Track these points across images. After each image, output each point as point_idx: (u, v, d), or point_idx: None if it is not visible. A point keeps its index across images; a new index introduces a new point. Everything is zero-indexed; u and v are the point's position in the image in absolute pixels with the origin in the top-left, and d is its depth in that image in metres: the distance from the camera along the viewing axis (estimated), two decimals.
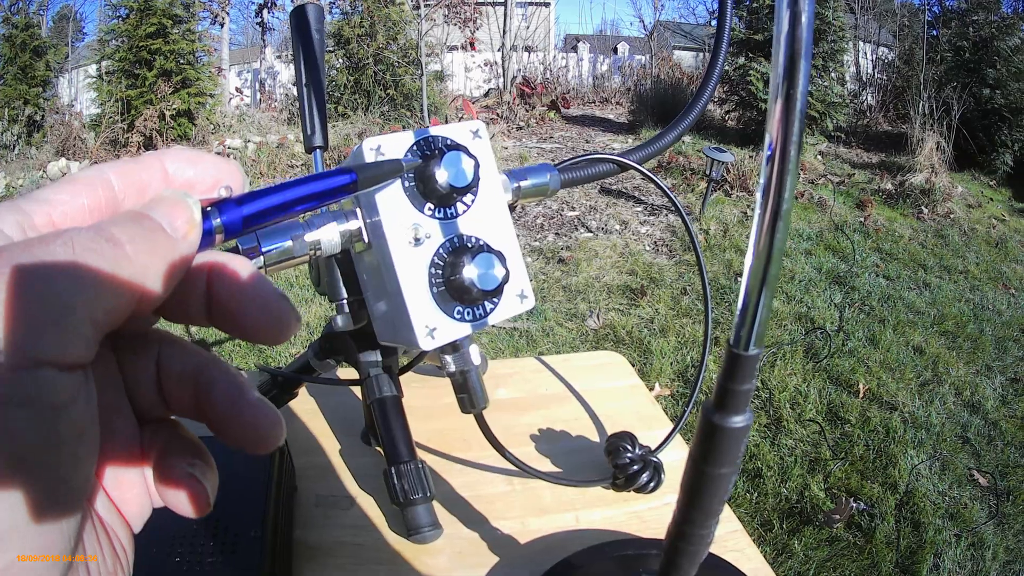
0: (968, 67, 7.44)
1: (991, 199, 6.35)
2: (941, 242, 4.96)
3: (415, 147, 0.49)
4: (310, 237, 0.47)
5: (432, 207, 0.49)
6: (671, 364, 3.14)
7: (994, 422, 2.81)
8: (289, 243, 0.46)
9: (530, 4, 14.65)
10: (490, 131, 7.40)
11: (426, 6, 9.21)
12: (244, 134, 8.00)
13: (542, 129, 8.98)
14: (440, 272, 0.48)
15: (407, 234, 0.48)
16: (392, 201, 0.48)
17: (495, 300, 0.51)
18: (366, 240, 0.49)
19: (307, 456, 0.76)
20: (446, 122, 7.69)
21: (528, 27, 11.85)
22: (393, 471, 0.63)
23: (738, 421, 0.34)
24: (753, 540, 1.51)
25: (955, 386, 3.06)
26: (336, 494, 0.72)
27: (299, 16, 0.70)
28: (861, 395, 2.93)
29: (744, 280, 0.32)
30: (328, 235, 0.48)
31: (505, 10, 10.50)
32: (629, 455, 0.69)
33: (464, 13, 10.72)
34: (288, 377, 0.78)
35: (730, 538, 0.68)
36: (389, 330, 0.52)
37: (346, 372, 0.88)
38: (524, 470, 0.65)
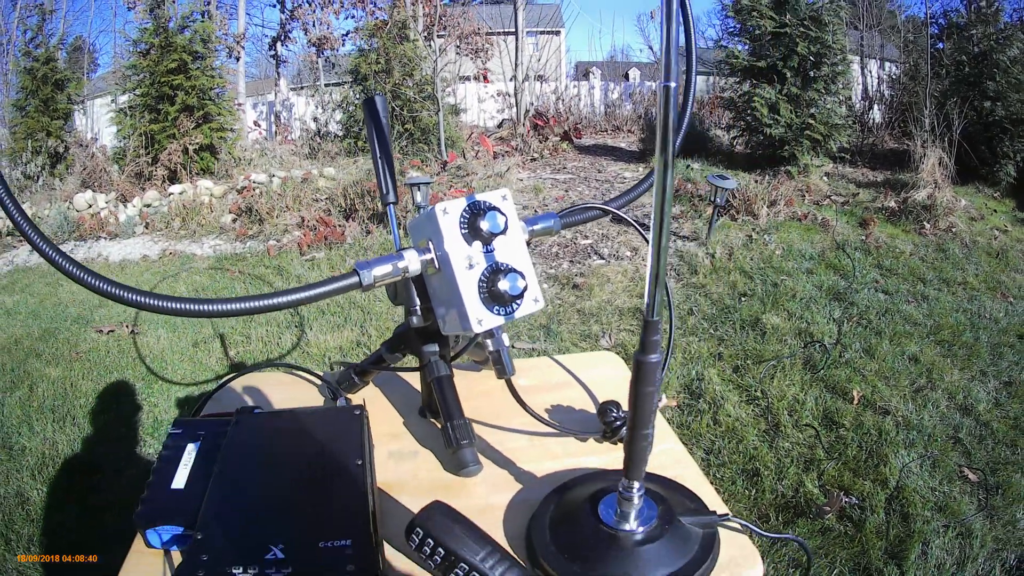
0: (968, 80, 7.57)
1: (994, 211, 6.45)
2: (941, 256, 5.09)
3: (467, 208, 0.79)
4: (401, 264, 0.78)
5: (481, 244, 0.80)
6: (677, 378, 3.35)
7: (986, 423, 2.94)
8: (390, 267, 0.74)
9: (541, 33, 14.90)
10: (505, 163, 7.67)
11: (439, 37, 9.48)
12: (267, 168, 8.23)
13: (555, 160, 9.22)
14: (484, 285, 0.78)
15: (464, 262, 0.78)
16: (454, 241, 0.78)
17: (519, 302, 0.80)
18: (437, 266, 0.80)
19: (380, 425, 1.04)
20: (463, 156, 7.96)
21: (540, 59, 12.10)
22: (449, 424, 0.91)
23: (653, 358, 0.61)
24: (750, 532, 1.77)
25: (948, 391, 3.19)
26: (403, 449, 1.00)
27: (370, 105, 1.00)
28: (856, 401, 3.09)
29: (648, 277, 0.58)
30: (414, 263, 0.79)
31: (516, 43, 10.73)
32: (614, 415, 0.97)
33: (475, 44, 10.99)
34: (361, 368, 1.10)
35: (671, 453, 0.95)
36: (452, 323, 0.82)
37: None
38: (539, 419, 0.97)
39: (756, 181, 6.81)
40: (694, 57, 0.98)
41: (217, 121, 8.57)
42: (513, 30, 11.03)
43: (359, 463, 0.82)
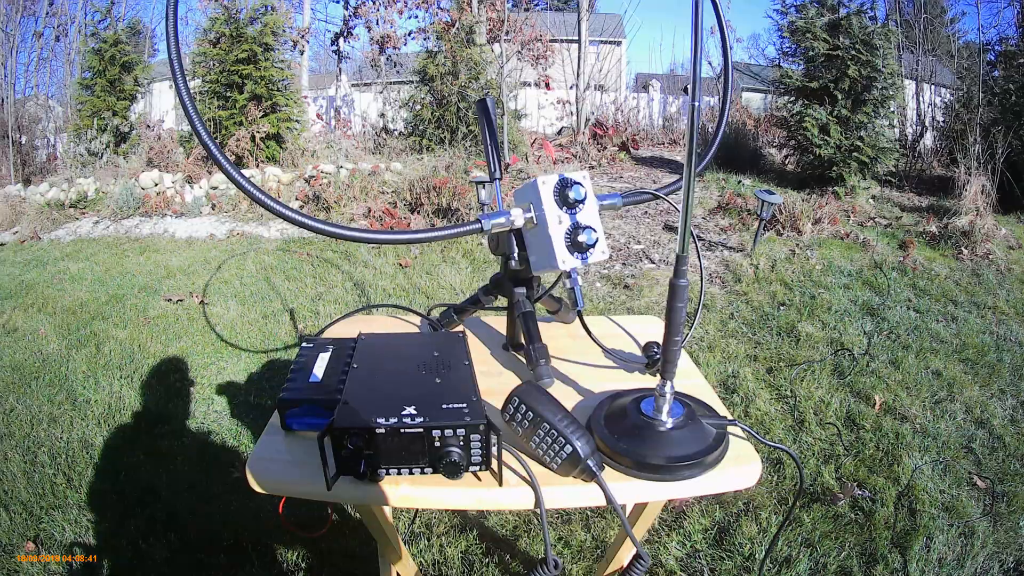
0: (1015, 110, 7.62)
1: None
2: (975, 280, 5.20)
3: (559, 181, 1.09)
4: (511, 219, 1.09)
5: (566, 208, 1.08)
6: (715, 374, 3.60)
7: (999, 436, 3.06)
8: (503, 220, 1.04)
9: (603, 43, 15.05)
10: (565, 169, 7.96)
11: (506, 41, 9.70)
12: (334, 160, 8.49)
13: (613, 169, 9.46)
14: (569, 236, 1.08)
15: (555, 219, 1.08)
16: (549, 204, 1.07)
17: (592, 251, 1.10)
18: (535, 222, 1.10)
19: (474, 353, 1.32)
20: (526, 160, 8.22)
21: (601, 69, 12.25)
22: (531, 347, 1.21)
23: (682, 282, 0.90)
24: (770, 512, 2.05)
25: (966, 405, 3.32)
26: (491, 370, 1.29)
27: (483, 105, 1.29)
28: (877, 407, 3.28)
29: (679, 235, 0.86)
30: (519, 219, 1.09)
31: (579, 53, 10.89)
32: (655, 350, 1.25)
33: (536, 50, 11.21)
34: (459, 307, 1.42)
35: (697, 386, 1.22)
36: (542, 264, 1.13)
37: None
38: (599, 345, 1.30)
39: (804, 199, 6.96)
40: (730, 75, 1.26)
41: (284, 111, 8.84)
42: (575, 38, 11.21)
43: (466, 363, 1.12)
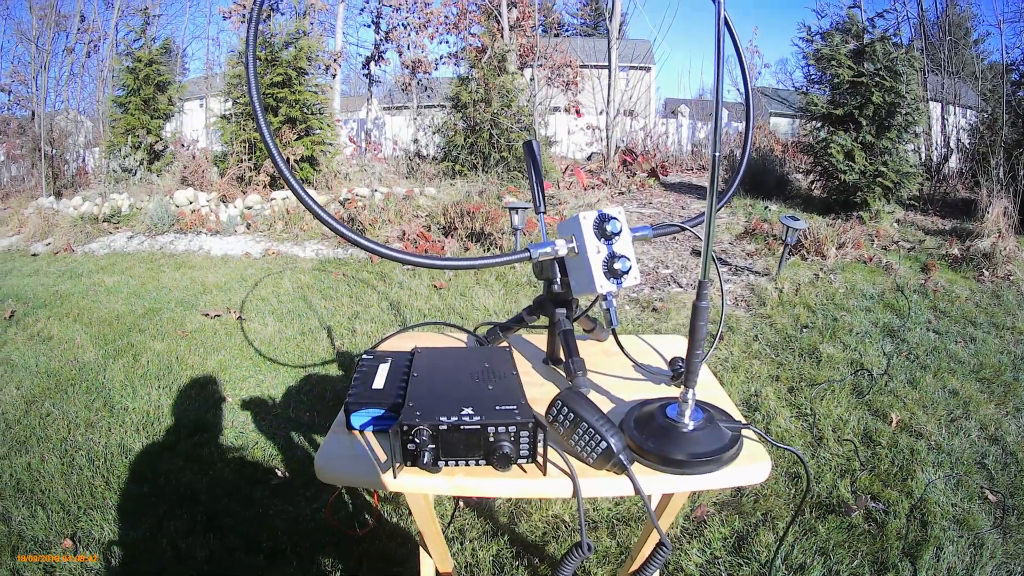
0: None
1: None
2: (995, 302, 5.28)
3: (598, 216, 1.25)
4: (555, 248, 1.25)
5: (604, 240, 1.24)
6: (738, 393, 3.72)
7: (1012, 452, 3.13)
8: (549, 249, 1.21)
9: (632, 68, 15.21)
10: (595, 195, 8.13)
11: (539, 67, 9.84)
12: (368, 183, 8.65)
13: (642, 195, 9.61)
14: (606, 264, 1.24)
15: (594, 249, 1.24)
16: (590, 237, 1.23)
17: (625, 276, 1.26)
18: (576, 252, 1.25)
19: (518, 366, 1.49)
20: (557, 186, 8.38)
21: (630, 96, 12.38)
22: (571, 360, 1.38)
23: (704, 304, 1.06)
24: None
25: (981, 422, 3.41)
26: (533, 381, 1.46)
27: (528, 146, 1.47)
28: (894, 424, 3.37)
29: (702, 264, 1.02)
30: (562, 248, 1.25)
31: (609, 80, 11.00)
32: (680, 364, 1.41)
33: (567, 76, 11.37)
34: (505, 325, 1.57)
35: (717, 397, 1.37)
36: (582, 288, 1.29)
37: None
38: (630, 359, 1.47)
39: (829, 224, 7.09)
40: (751, 120, 1.42)
41: (319, 135, 9.03)
42: (606, 64, 11.33)
43: (514, 373, 1.28)
